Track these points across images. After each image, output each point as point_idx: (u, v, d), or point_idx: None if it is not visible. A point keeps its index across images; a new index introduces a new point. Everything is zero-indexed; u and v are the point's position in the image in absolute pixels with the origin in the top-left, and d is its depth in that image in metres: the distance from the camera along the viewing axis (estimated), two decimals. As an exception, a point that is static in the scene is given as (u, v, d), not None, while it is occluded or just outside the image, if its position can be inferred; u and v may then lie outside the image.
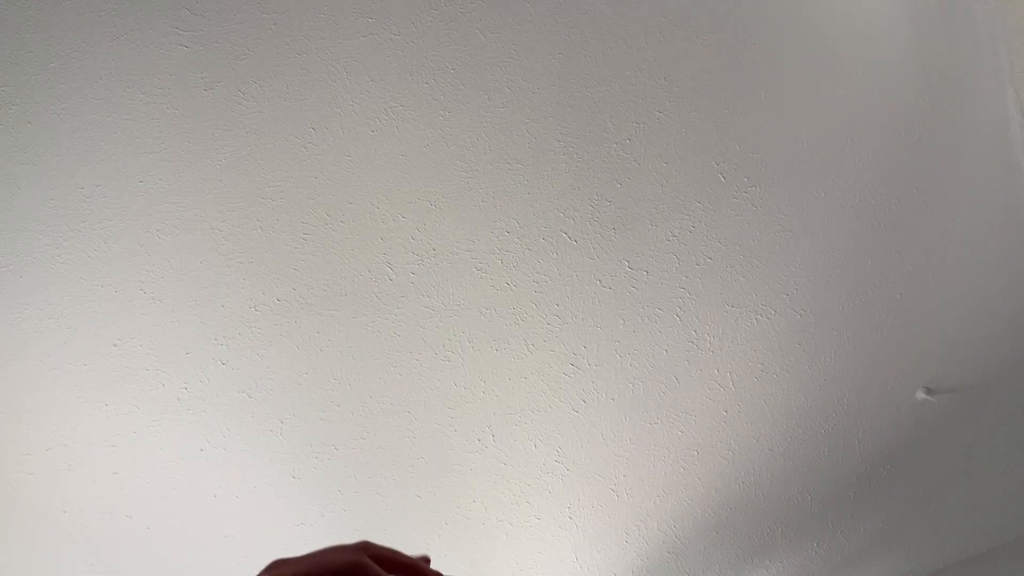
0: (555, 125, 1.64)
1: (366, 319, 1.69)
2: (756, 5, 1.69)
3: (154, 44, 1.37)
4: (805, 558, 2.45)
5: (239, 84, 1.44)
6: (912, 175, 1.96)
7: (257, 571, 0.70)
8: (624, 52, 1.63)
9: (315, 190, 1.55)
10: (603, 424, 1.97)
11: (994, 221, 2.09)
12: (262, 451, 1.74)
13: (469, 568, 2.12)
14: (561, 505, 2.06)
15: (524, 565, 2.17)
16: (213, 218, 1.52)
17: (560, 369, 1.87)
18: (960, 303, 2.16)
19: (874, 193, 1.94)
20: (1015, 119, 1.99)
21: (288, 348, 1.66)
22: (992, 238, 2.11)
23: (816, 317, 2.03)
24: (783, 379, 2.08)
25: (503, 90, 1.58)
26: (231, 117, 1.45)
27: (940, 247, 2.06)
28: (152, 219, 1.49)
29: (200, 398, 1.65)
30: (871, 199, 1.94)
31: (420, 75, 1.53)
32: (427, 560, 0.72)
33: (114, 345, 1.56)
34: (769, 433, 2.15)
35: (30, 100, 1.35)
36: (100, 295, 1.52)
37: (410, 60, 1.51)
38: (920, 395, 2.24)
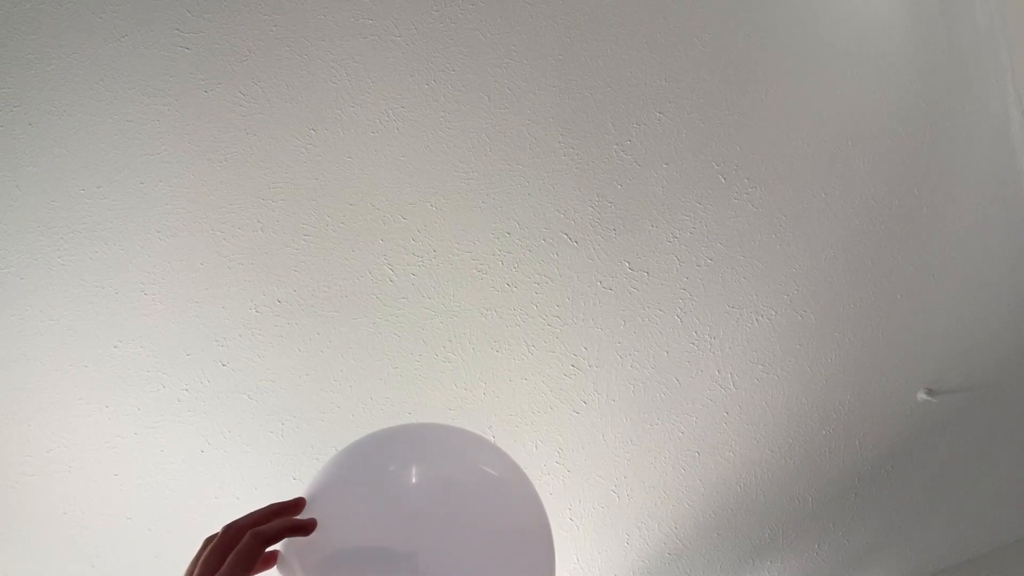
0: (556, 126, 1.64)
1: (367, 320, 1.69)
2: (757, 5, 1.69)
3: (155, 45, 1.37)
4: (806, 559, 2.45)
5: (239, 85, 1.44)
6: (913, 175, 1.96)
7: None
8: (624, 53, 1.63)
9: (315, 191, 1.55)
10: (604, 425, 1.97)
11: (995, 221, 2.09)
12: (263, 452, 1.74)
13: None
14: (562, 506, 2.05)
15: (525, 566, 2.16)
16: (213, 219, 1.52)
17: (561, 370, 1.87)
18: (961, 303, 2.16)
19: (875, 194, 1.94)
20: (1016, 119, 1.99)
21: (289, 349, 1.66)
22: (993, 238, 2.11)
23: (817, 318, 2.03)
24: (784, 380, 2.08)
25: (504, 91, 1.58)
26: (231, 118, 1.46)
27: (941, 247, 2.06)
28: (153, 221, 1.49)
29: (200, 399, 1.65)
30: (872, 200, 1.94)
31: (421, 76, 1.53)
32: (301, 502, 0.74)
33: (114, 347, 1.56)
34: (770, 434, 2.15)
35: (31, 102, 1.35)
36: (101, 296, 1.52)
37: (411, 61, 1.51)
38: (921, 396, 2.24)
